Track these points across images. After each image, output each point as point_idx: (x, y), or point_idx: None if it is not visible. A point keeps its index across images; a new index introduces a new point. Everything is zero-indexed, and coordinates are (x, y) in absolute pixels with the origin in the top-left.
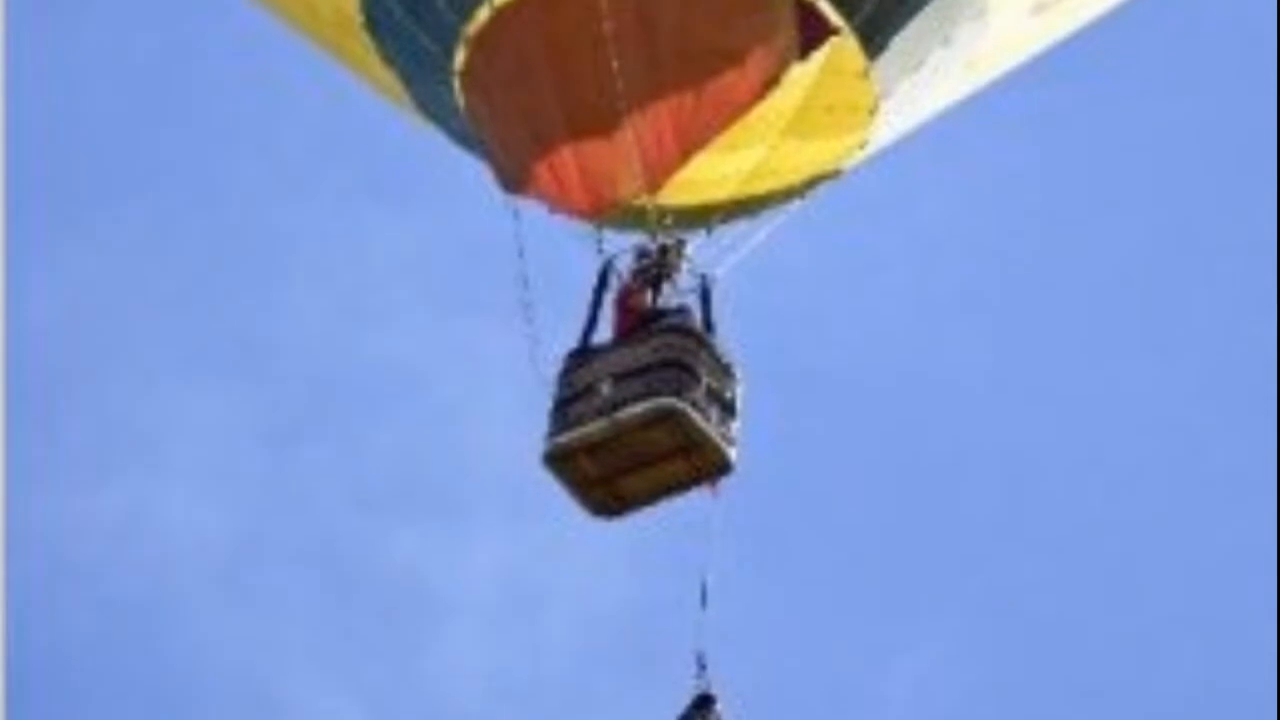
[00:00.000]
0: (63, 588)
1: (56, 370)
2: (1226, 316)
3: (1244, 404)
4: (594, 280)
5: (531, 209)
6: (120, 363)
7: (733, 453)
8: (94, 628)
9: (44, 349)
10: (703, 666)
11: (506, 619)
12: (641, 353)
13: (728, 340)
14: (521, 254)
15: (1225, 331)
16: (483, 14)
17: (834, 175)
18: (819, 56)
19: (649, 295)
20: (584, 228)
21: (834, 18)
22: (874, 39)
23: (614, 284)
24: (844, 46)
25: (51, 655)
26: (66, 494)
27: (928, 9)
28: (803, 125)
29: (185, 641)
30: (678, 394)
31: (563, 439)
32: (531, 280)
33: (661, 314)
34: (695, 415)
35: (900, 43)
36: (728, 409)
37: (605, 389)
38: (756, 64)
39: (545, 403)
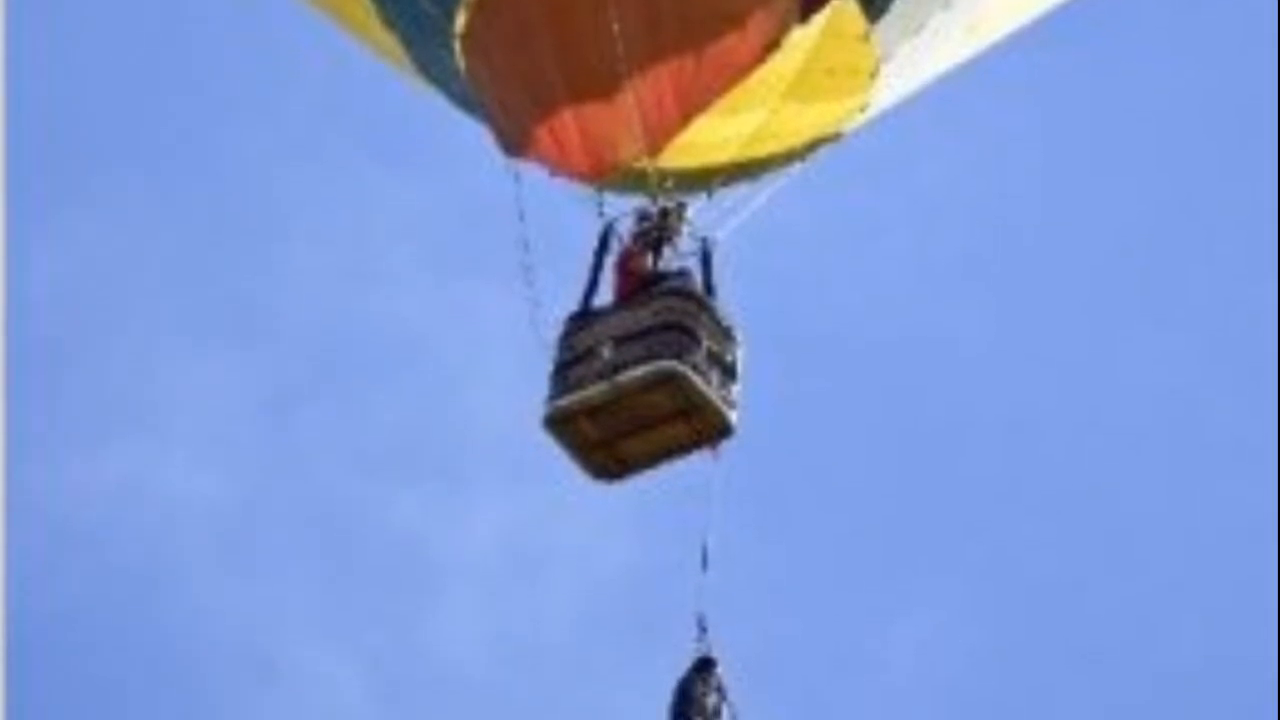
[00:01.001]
0: (63, 554)
1: (57, 336)
2: (1228, 281)
3: (1244, 368)
4: (595, 243)
5: (532, 172)
6: (121, 328)
7: (733, 416)
8: (94, 593)
9: (45, 315)
10: (704, 629)
11: (507, 583)
12: (642, 316)
13: (728, 303)
14: (522, 217)
15: (1226, 296)
16: None
17: (835, 138)
18: (820, 19)
19: (650, 258)
20: (585, 191)
21: None
22: (875, 2)
23: (615, 247)
24: (845, 9)
25: (52, 621)
26: (67, 460)
27: None
28: (803, 88)
29: (185, 607)
30: (678, 357)
31: (563, 402)
32: (532, 243)
33: (662, 277)
34: (696, 378)
35: (901, 6)
36: (728, 372)
37: (606, 352)
38: (757, 27)
39: (546, 366)
